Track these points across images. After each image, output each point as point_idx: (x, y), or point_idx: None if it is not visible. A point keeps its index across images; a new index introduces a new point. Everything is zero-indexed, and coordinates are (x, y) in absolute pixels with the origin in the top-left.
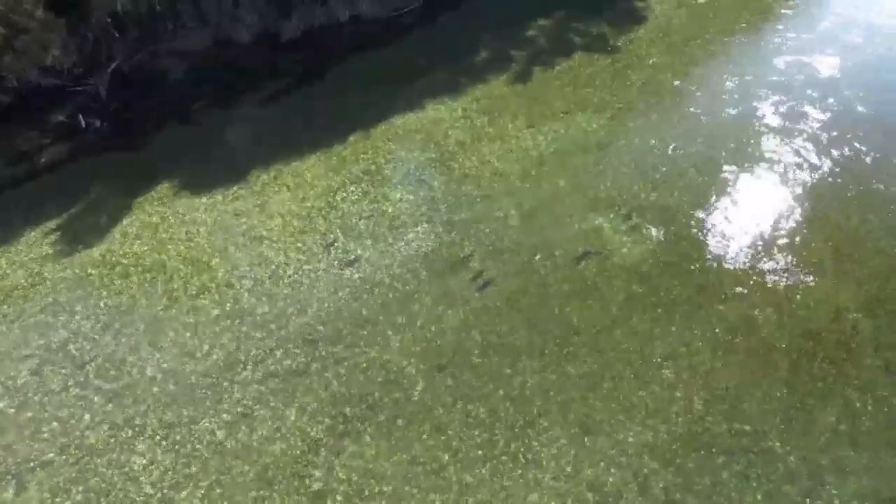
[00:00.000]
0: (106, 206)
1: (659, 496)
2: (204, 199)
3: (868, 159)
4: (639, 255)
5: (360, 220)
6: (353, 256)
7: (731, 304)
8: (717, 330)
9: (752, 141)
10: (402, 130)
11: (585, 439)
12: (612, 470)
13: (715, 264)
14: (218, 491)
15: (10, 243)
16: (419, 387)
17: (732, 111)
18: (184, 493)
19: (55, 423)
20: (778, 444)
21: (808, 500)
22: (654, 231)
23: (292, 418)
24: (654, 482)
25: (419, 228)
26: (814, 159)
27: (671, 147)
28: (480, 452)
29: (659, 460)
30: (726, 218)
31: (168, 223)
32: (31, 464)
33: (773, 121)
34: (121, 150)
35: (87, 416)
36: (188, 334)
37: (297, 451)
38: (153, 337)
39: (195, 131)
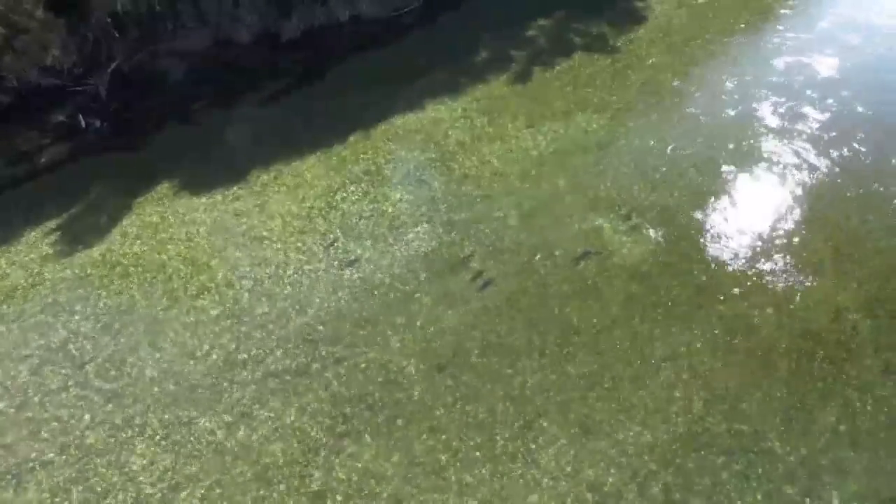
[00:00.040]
0: (106, 206)
1: (659, 496)
2: (204, 199)
3: (868, 159)
4: (639, 255)
5: (360, 220)
6: (353, 256)
7: (731, 304)
8: (716, 330)
9: (752, 141)
10: (402, 130)
11: (585, 439)
12: (612, 470)
13: (715, 264)
14: (218, 491)
15: (10, 243)
16: (419, 387)
17: (732, 111)
18: (184, 494)
19: (55, 423)
20: (778, 444)
21: (808, 500)
22: (653, 231)
23: (292, 418)
24: (654, 482)
25: (419, 228)
26: (813, 159)
27: (671, 147)
28: (480, 452)
29: (659, 460)
30: (726, 218)
31: (168, 223)
32: (31, 464)
33: (773, 121)
34: (121, 150)
35: (87, 416)
36: (188, 334)
37: (297, 451)
38: (153, 337)
39: (195, 131)
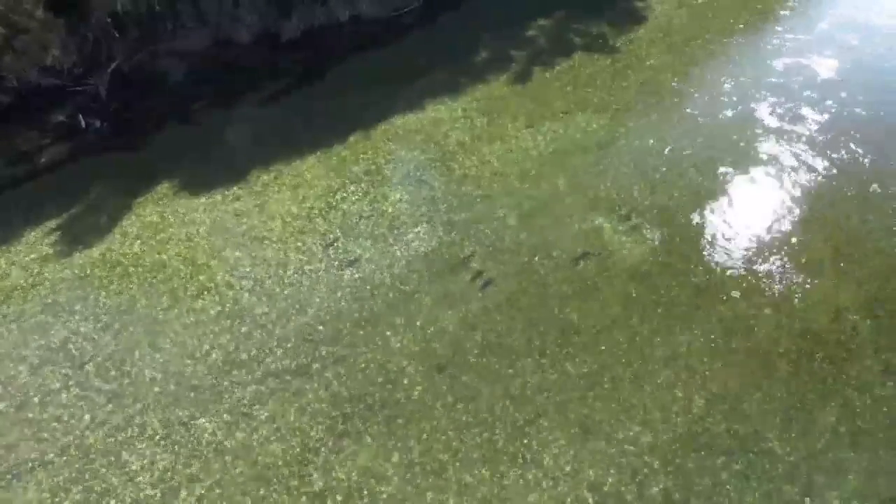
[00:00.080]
0: (106, 206)
1: (658, 496)
2: (204, 200)
3: (867, 160)
4: (638, 256)
5: (360, 220)
6: (352, 257)
7: (730, 304)
8: (716, 330)
9: (752, 142)
10: (402, 130)
11: (585, 439)
12: (612, 470)
13: (715, 265)
14: (218, 491)
15: (10, 243)
16: (419, 387)
17: (732, 112)
18: (184, 494)
19: (55, 424)
20: (778, 444)
21: (807, 500)
22: (653, 231)
23: (292, 418)
24: (654, 482)
25: (419, 229)
26: (813, 160)
27: (671, 147)
28: (480, 452)
29: (659, 460)
30: (726, 218)
31: (168, 223)
32: (31, 464)
33: (773, 121)
34: (121, 150)
35: (87, 417)
36: (188, 334)
37: (297, 451)
38: (153, 337)
39: (195, 131)
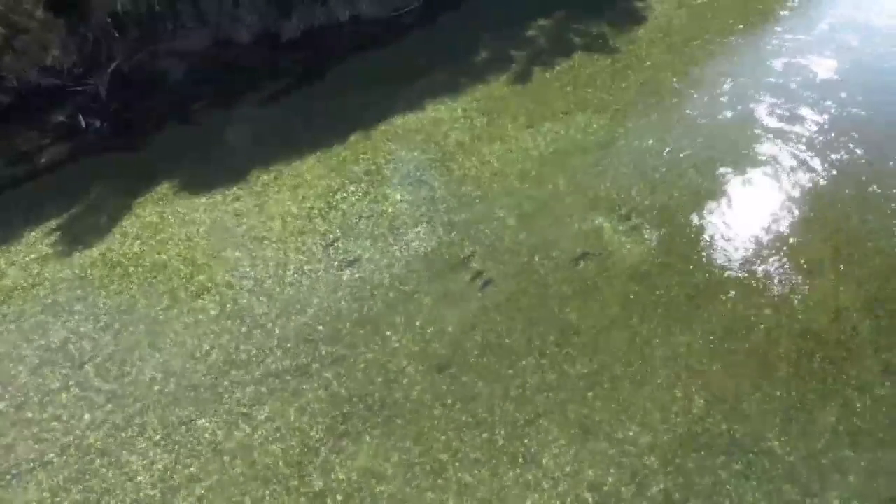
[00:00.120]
0: (106, 206)
1: (658, 496)
2: (204, 200)
3: (866, 160)
4: (638, 256)
5: (359, 220)
6: (352, 257)
7: (730, 304)
8: (716, 330)
9: (752, 142)
10: (402, 130)
11: (585, 439)
12: (612, 470)
13: (714, 265)
14: (217, 491)
15: (10, 243)
16: (419, 387)
17: (732, 112)
18: (183, 493)
19: (55, 423)
20: (778, 444)
21: (807, 500)
22: (653, 231)
23: (292, 418)
24: (654, 482)
25: (419, 229)
26: (812, 160)
27: (671, 148)
28: (480, 452)
29: (659, 460)
30: (726, 219)
31: (168, 223)
32: (31, 464)
33: (772, 122)
34: (121, 150)
35: (87, 416)
36: (188, 334)
37: (297, 451)
38: (153, 337)
39: (195, 131)
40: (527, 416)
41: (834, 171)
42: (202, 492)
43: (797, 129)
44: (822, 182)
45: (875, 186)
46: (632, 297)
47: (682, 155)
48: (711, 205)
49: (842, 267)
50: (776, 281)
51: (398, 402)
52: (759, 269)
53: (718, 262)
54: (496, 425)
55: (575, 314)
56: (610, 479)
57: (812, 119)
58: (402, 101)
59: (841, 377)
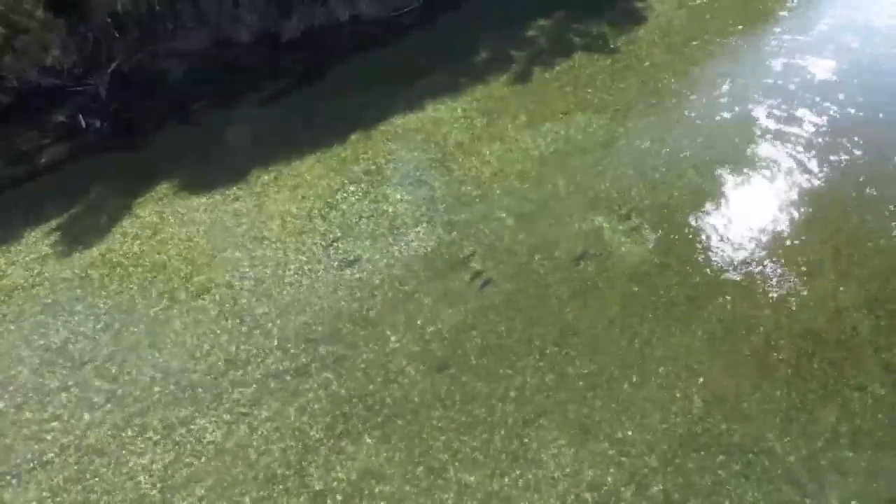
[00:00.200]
0: (106, 206)
1: (658, 496)
2: (204, 199)
3: (865, 160)
4: (638, 256)
5: (359, 220)
6: (352, 257)
7: (730, 304)
8: (716, 330)
9: (751, 142)
10: (402, 130)
11: (585, 439)
12: (612, 470)
13: (714, 265)
14: (218, 491)
15: (10, 243)
16: (419, 387)
17: (732, 113)
18: (183, 493)
19: (55, 423)
20: (778, 444)
21: (807, 500)
22: (653, 231)
23: (292, 418)
24: (654, 482)
25: (419, 228)
26: (812, 161)
27: (670, 148)
28: (480, 452)
29: (658, 460)
30: (725, 218)
31: (168, 223)
32: (31, 464)
33: (772, 123)
34: (121, 150)
35: (87, 416)
36: (188, 334)
37: (297, 451)
38: (153, 337)
39: (195, 131)
40: (526, 416)
41: (833, 172)
42: (202, 492)
43: (796, 129)
44: (821, 182)
45: (875, 186)
46: (631, 297)
47: (681, 155)
48: (711, 205)
49: (842, 267)
50: (776, 281)
51: (398, 402)
52: (759, 270)
53: (718, 262)
54: (496, 425)
55: (574, 314)
56: (610, 479)
57: (811, 120)
58: (402, 101)
59: (841, 377)
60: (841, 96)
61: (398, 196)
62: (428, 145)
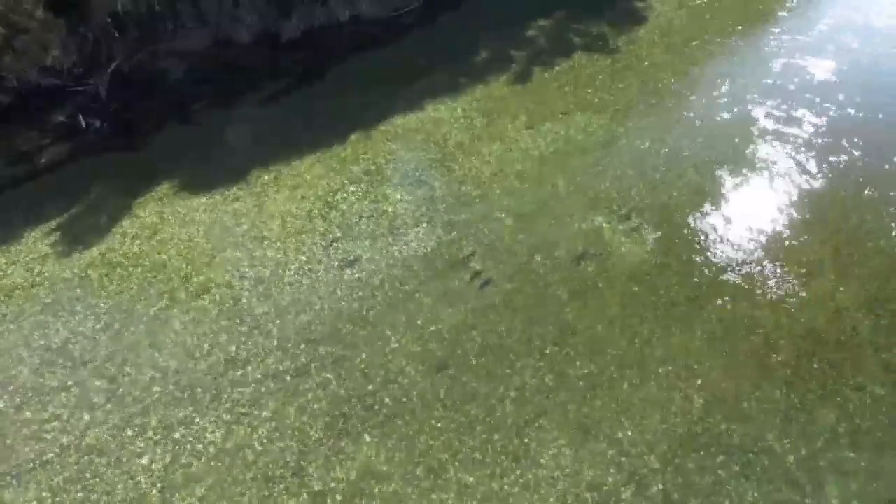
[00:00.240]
0: (106, 206)
1: (658, 496)
2: (204, 199)
3: (865, 161)
4: (638, 256)
5: (359, 220)
6: (352, 257)
7: (730, 304)
8: (716, 330)
9: (751, 142)
10: (402, 130)
11: (584, 439)
12: (612, 470)
13: (714, 265)
14: (217, 491)
15: (10, 243)
16: (418, 387)
17: (732, 113)
18: (183, 493)
19: (55, 423)
20: (777, 444)
21: (807, 500)
22: (653, 232)
23: (291, 418)
24: (653, 482)
25: (419, 228)
26: (812, 161)
27: (670, 148)
28: (480, 452)
29: (658, 460)
30: (725, 218)
31: (168, 223)
32: (31, 464)
33: (771, 123)
34: (121, 150)
35: (86, 416)
36: (188, 334)
37: (297, 451)
38: (153, 337)
39: (195, 131)
40: (526, 416)
41: (833, 172)
42: (202, 492)
43: (796, 129)
44: (821, 182)
45: (874, 187)
46: (631, 297)
47: (681, 155)
48: (711, 205)
49: (841, 267)
50: (775, 281)
51: (398, 402)
52: (759, 270)
53: (718, 262)
54: (496, 425)
55: (574, 314)
56: (609, 480)
57: (811, 120)
58: (402, 101)
59: (841, 378)
60: (840, 97)
61: (398, 196)
62: (428, 145)
